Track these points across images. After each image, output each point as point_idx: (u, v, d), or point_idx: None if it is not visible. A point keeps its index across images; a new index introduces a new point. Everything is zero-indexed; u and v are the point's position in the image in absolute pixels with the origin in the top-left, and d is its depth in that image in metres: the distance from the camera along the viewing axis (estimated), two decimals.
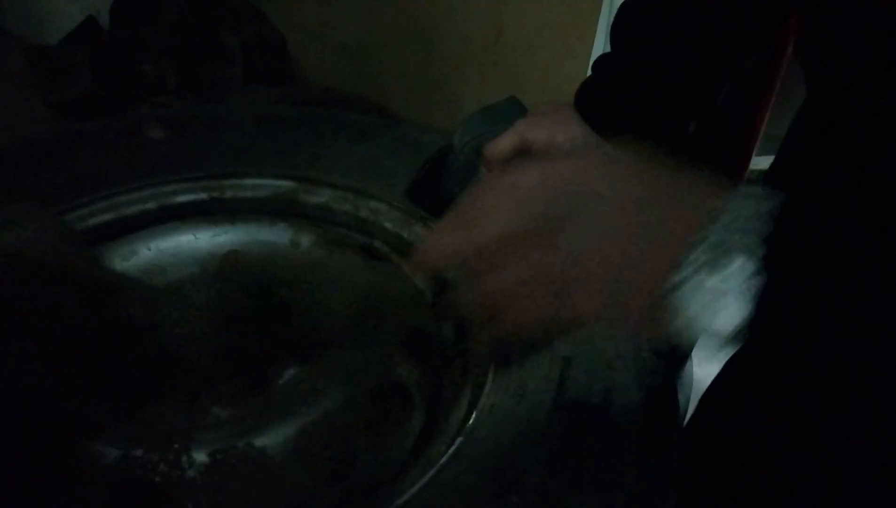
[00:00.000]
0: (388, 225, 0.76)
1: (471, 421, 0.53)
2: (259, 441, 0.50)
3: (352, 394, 0.54)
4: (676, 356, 0.63)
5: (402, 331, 0.60)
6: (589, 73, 1.02)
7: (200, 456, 0.49)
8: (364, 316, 0.58)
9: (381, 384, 0.56)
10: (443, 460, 0.49)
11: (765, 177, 0.58)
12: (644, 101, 0.70)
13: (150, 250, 0.70)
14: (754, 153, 0.83)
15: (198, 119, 0.88)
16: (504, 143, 0.72)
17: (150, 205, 0.75)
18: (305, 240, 0.72)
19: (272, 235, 0.73)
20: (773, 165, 0.59)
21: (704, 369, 0.82)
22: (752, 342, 0.32)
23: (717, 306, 0.31)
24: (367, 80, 1.31)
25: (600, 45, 0.97)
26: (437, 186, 0.79)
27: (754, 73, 0.75)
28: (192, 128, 0.86)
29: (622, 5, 0.72)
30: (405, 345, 0.59)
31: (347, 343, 0.57)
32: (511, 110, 0.80)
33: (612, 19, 1.01)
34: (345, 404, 0.54)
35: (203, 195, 0.77)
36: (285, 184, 0.79)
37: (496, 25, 1.09)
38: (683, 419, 0.64)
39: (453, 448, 0.50)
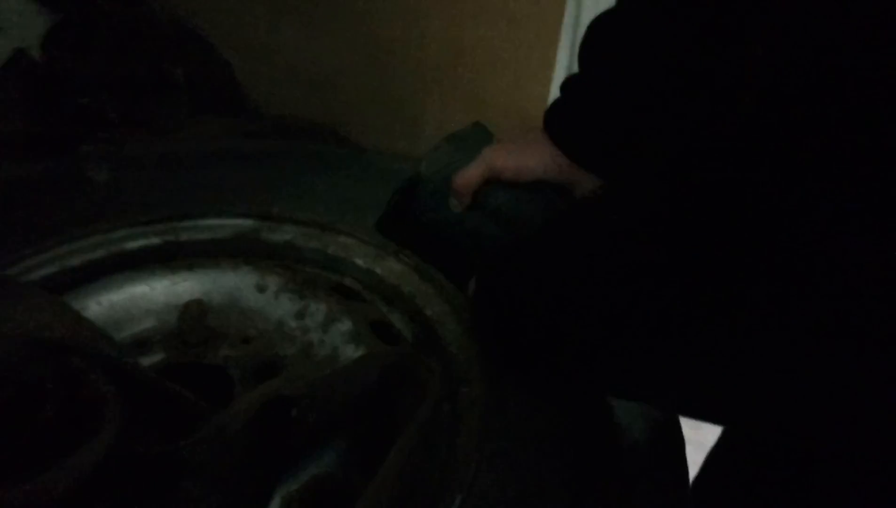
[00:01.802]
0: (360, 261, 0.72)
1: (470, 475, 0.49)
2: None
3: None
4: None
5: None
6: (554, 94, 1.01)
7: None
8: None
9: None
10: None
11: None
12: (613, 122, 0.68)
13: (100, 304, 0.64)
14: None
15: (146, 157, 0.82)
16: (473, 171, 0.70)
17: (98, 254, 0.69)
18: (272, 283, 0.67)
19: (235, 279, 0.67)
20: None
21: None
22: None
23: None
24: (322, 106, 1.26)
25: (563, 65, 0.96)
26: (406, 218, 0.76)
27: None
28: (141, 167, 0.80)
29: (591, 24, 0.70)
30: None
31: None
32: (478, 137, 0.78)
33: (574, 38, 1.01)
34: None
35: (156, 240, 0.72)
36: (246, 223, 0.75)
37: (455, 46, 1.06)
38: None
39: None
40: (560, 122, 0.71)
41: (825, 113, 0.38)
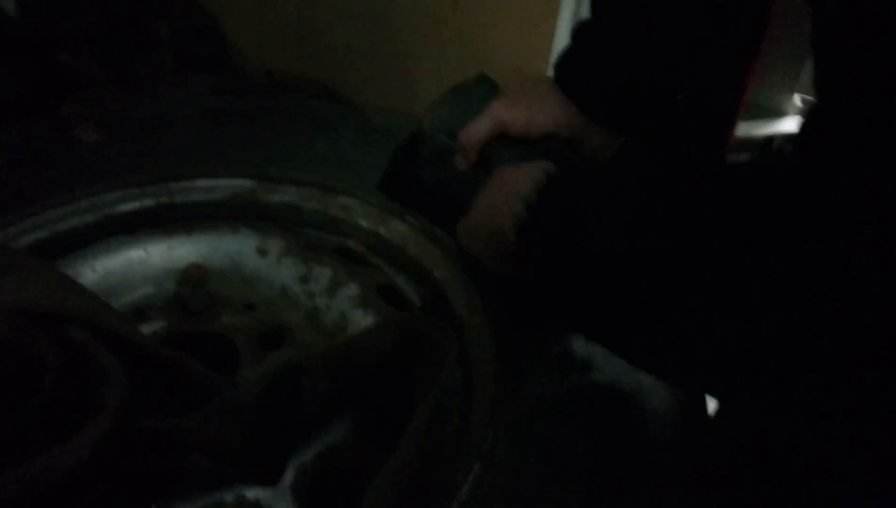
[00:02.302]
0: (363, 223, 0.70)
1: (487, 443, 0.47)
2: (251, 493, 0.44)
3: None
4: None
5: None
6: (558, 44, 0.97)
7: None
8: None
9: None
10: (462, 495, 0.44)
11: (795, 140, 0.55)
12: (631, 69, 0.65)
13: (95, 271, 0.61)
14: (739, 119, 0.80)
15: (135, 117, 0.79)
16: (480, 126, 0.67)
17: (90, 218, 0.66)
18: (274, 247, 0.65)
19: (235, 243, 0.65)
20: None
21: None
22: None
23: None
24: (313, 62, 1.22)
25: (568, 13, 0.92)
26: (409, 177, 0.73)
27: (739, 36, 0.71)
28: (130, 127, 0.77)
29: None
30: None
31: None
32: (482, 89, 0.75)
33: None
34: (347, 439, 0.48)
35: (150, 202, 0.69)
36: (243, 183, 0.72)
37: None
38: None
39: (471, 476, 0.45)
40: (572, 72, 0.68)
41: None
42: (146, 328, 0.58)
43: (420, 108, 0.82)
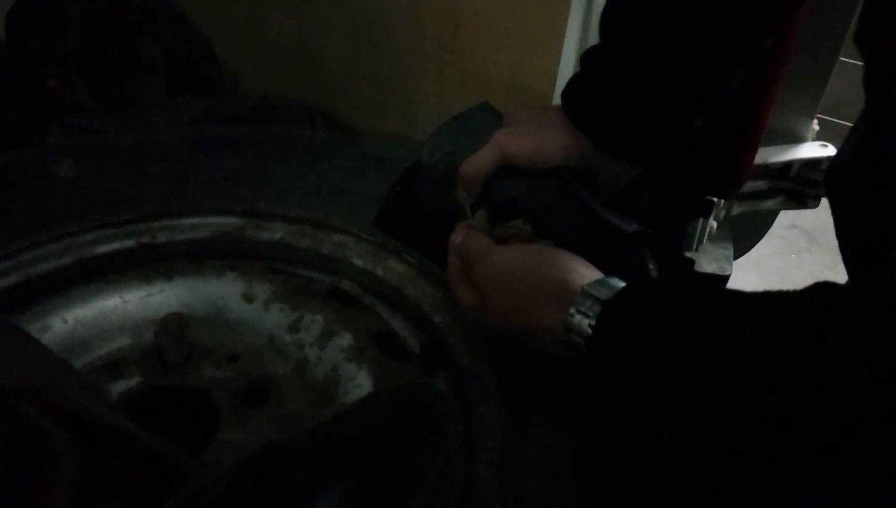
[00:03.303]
0: (358, 262, 0.65)
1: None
2: None
3: None
4: None
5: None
6: (564, 69, 0.93)
7: None
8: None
9: None
10: None
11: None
12: (643, 95, 0.61)
13: (66, 322, 0.56)
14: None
15: (117, 149, 0.74)
16: (483, 158, 0.62)
17: (65, 260, 0.62)
18: (261, 291, 0.60)
19: (219, 288, 0.60)
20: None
21: None
22: None
23: None
24: (310, 85, 1.18)
25: (574, 34, 0.88)
26: (407, 212, 0.68)
27: (758, 59, 0.66)
28: (111, 160, 0.72)
29: None
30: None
31: None
32: (485, 118, 0.70)
33: (588, 4, 0.92)
34: None
35: (130, 243, 0.64)
36: (230, 221, 0.67)
37: (453, 17, 0.98)
38: None
39: None
40: (581, 99, 0.63)
41: None
42: (120, 384, 0.53)
43: (421, 133, 0.77)
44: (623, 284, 0.44)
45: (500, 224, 0.59)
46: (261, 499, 0.37)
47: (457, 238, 0.56)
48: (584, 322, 0.43)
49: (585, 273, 0.47)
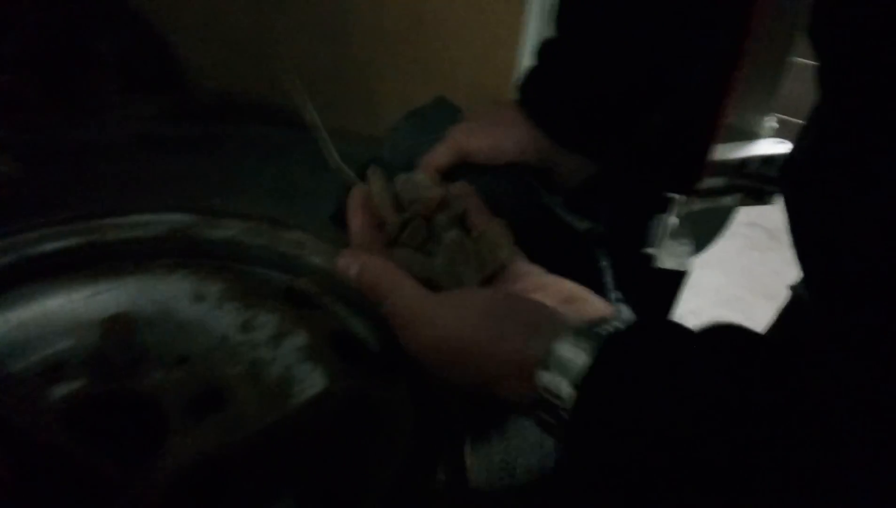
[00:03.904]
0: (316, 260, 0.64)
1: None
2: None
3: None
4: None
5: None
6: (523, 64, 0.93)
7: None
8: None
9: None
10: None
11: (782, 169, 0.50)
12: (600, 89, 0.61)
13: (7, 323, 0.54)
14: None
15: (62, 146, 0.72)
16: (441, 154, 0.61)
17: (7, 259, 0.59)
18: (212, 290, 0.58)
19: (169, 287, 0.58)
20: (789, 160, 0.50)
21: None
22: None
23: None
24: (270, 81, 1.16)
25: (534, 30, 0.88)
26: None
27: (716, 54, 0.67)
28: (56, 157, 0.70)
29: None
30: None
31: None
32: (443, 114, 0.70)
33: (544, 1, 0.92)
34: None
35: (76, 241, 0.62)
36: (182, 218, 0.65)
37: (415, 13, 0.97)
38: None
39: None
40: (537, 93, 0.63)
41: None
42: (61, 388, 0.50)
43: (383, 129, 0.77)
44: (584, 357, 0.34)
45: (401, 176, 0.51)
46: None
47: (351, 268, 0.45)
48: (561, 385, 0.34)
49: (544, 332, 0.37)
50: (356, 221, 0.48)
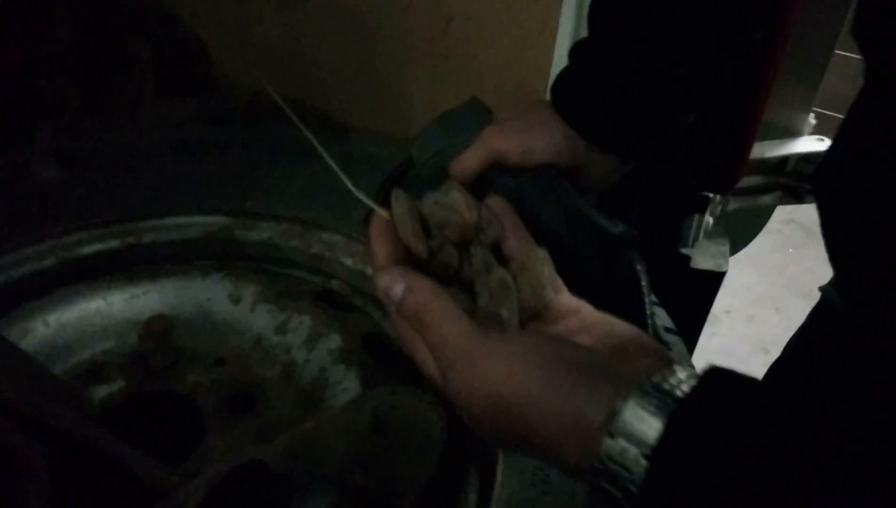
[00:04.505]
0: (348, 261, 0.64)
1: None
2: None
3: None
4: None
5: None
6: (557, 64, 0.92)
7: None
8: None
9: None
10: None
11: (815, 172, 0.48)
12: (635, 90, 0.60)
13: (47, 325, 0.55)
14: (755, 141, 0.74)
15: (101, 151, 0.73)
16: (472, 157, 0.61)
17: (48, 262, 0.60)
18: (248, 292, 0.59)
19: (205, 290, 0.59)
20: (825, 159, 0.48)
21: None
22: None
23: None
24: (301, 83, 1.17)
25: (567, 30, 0.87)
26: None
27: (753, 51, 0.65)
28: (95, 162, 0.71)
29: None
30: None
31: None
32: (474, 115, 0.69)
33: None
34: None
35: (115, 243, 0.63)
36: (217, 220, 0.66)
37: (444, 13, 0.97)
38: None
39: None
40: (570, 93, 0.62)
41: None
42: (102, 389, 0.52)
43: (412, 130, 0.77)
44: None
45: (430, 196, 0.45)
46: None
47: (394, 288, 0.38)
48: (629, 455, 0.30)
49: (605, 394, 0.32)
50: (381, 251, 0.42)
